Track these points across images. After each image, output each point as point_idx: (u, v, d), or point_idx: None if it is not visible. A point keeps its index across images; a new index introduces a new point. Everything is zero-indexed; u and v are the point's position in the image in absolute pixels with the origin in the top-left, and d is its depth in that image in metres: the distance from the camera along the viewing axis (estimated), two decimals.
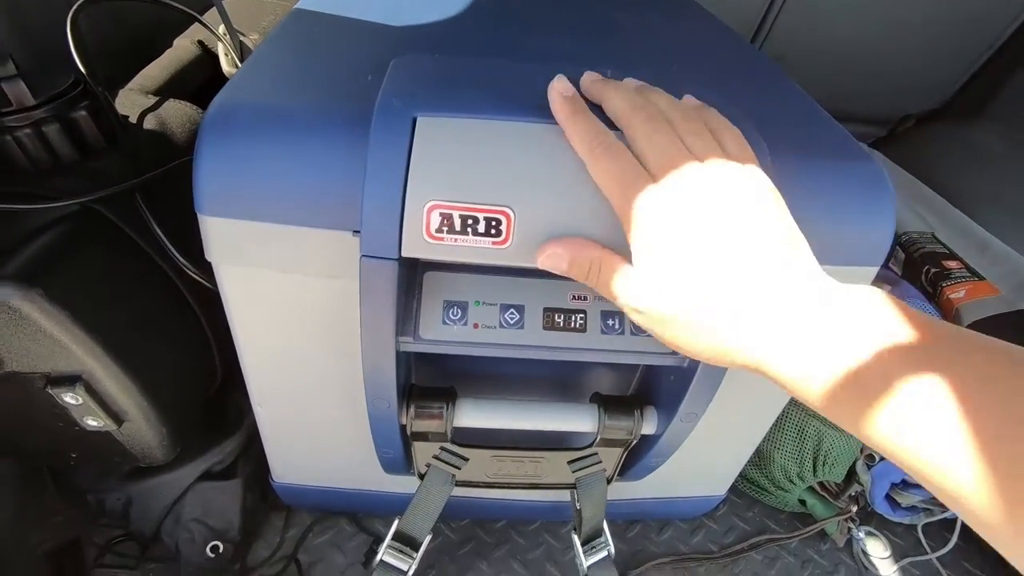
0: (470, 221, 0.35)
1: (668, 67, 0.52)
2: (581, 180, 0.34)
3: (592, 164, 0.33)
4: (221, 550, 0.57)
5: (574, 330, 0.42)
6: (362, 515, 0.64)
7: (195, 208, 0.37)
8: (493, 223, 0.35)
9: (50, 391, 0.42)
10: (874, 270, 0.43)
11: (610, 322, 0.42)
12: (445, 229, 0.35)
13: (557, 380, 0.53)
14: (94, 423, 0.45)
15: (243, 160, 0.36)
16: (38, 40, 0.59)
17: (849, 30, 1.20)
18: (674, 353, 0.42)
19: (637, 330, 0.43)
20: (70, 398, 0.42)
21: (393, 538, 0.52)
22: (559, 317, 0.42)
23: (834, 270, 0.41)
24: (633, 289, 0.31)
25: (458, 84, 0.39)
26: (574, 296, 0.43)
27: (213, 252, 0.39)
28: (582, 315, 0.42)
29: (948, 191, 1.08)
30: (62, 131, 0.44)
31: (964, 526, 0.67)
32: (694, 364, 0.42)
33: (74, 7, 0.50)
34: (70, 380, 0.42)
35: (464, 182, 0.34)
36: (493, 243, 0.35)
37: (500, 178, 0.35)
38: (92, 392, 0.42)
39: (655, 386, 0.49)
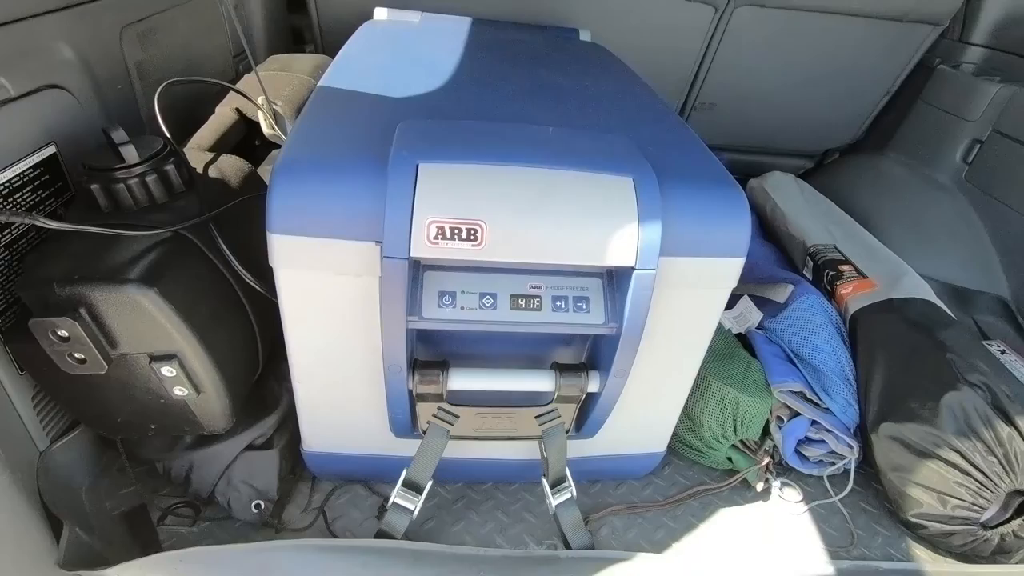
0: (456, 230, 0.52)
1: (598, 119, 0.71)
2: (528, 202, 0.52)
3: None
4: (263, 507, 0.71)
5: (532, 309, 0.59)
6: (374, 482, 0.79)
7: (265, 228, 0.53)
8: (472, 231, 0.52)
9: (152, 366, 0.57)
10: (740, 260, 0.60)
11: (558, 303, 0.60)
12: (440, 237, 0.52)
13: (526, 354, 0.69)
14: (180, 392, 0.60)
15: (302, 195, 0.53)
16: (114, 108, 0.76)
17: (768, 82, 1.43)
18: (605, 324, 0.60)
19: (577, 308, 0.60)
20: (166, 371, 0.58)
21: (402, 484, 0.67)
22: (522, 300, 0.59)
23: (710, 260, 0.59)
24: None
25: (446, 140, 0.57)
26: (532, 285, 0.60)
27: (276, 260, 0.55)
28: (538, 299, 0.59)
29: (860, 210, 1.29)
30: (158, 180, 0.61)
31: (859, 474, 0.84)
32: (619, 331, 0.59)
33: (158, 90, 0.68)
34: (168, 357, 0.57)
35: (451, 205, 0.52)
36: (472, 246, 0.53)
37: (475, 201, 0.52)
38: (182, 366, 0.58)
39: (597, 354, 0.66)
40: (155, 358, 0.57)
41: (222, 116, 0.84)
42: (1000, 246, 1.21)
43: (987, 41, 1.37)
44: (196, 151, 0.74)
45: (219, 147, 0.78)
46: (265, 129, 0.78)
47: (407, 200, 0.51)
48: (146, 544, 0.69)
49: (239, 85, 0.88)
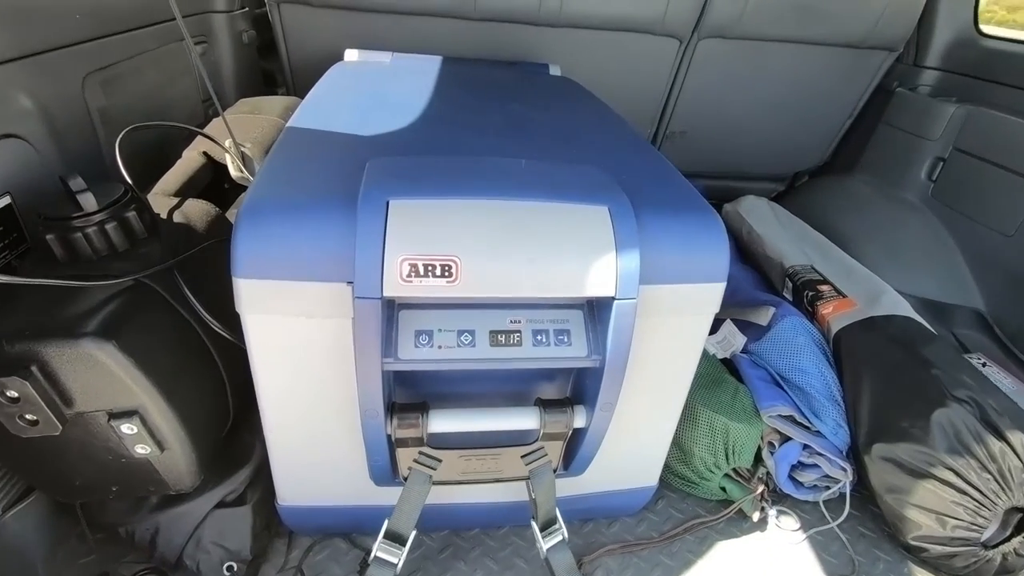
0: (430, 267, 0.50)
1: (570, 151, 0.71)
2: (502, 235, 0.51)
3: None
4: (235, 569, 0.66)
5: (513, 345, 0.57)
6: (355, 535, 0.75)
7: (230, 273, 0.51)
8: (446, 268, 0.51)
9: (112, 424, 0.54)
10: (721, 285, 0.59)
11: (539, 337, 0.58)
12: (413, 274, 0.50)
13: (508, 391, 0.67)
14: (142, 450, 0.56)
15: (268, 238, 0.51)
16: (76, 157, 0.74)
17: (736, 109, 1.46)
18: (588, 356, 0.58)
19: (559, 342, 0.58)
20: (127, 428, 0.54)
21: (384, 537, 0.63)
22: (501, 336, 0.57)
23: (692, 287, 0.58)
24: None
25: (416, 176, 0.56)
26: (512, 320, 0.58)
27: (243, 305, 0.53)
28: (518, 334, 0.58)
29: (832, 230, 1.31)
30: (118, 227, 0.58)
31: (855, 498, 0.82)
32: (603, 364, 0.58)
33: (119, 136, 0.66)
34: (128, 414, 0.54)
35: (424, 241, 0.51)
36: (447, 282, 0.51)
37: (449, 237, 0.51)
38: (144, 423, 0.54)
39: (582, 388, 0.64)
40: (114, 415, 0.54)
41: (189, 160, 0.82)
42: (971, 260, 1.23)
43: (940, 64, 1.42)
44: (161, 196, 0.72)
45: (186, 191, 0.76)
46: (232, 172, 0.77)
47: (378, 238, 0.50)
48: None
49: (207, 129, 0.87)
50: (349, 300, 0.52)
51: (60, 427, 0.52)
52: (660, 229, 0.57)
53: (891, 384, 0.79)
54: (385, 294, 0.50)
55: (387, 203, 0.51)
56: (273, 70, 1.48)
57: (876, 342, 0.85)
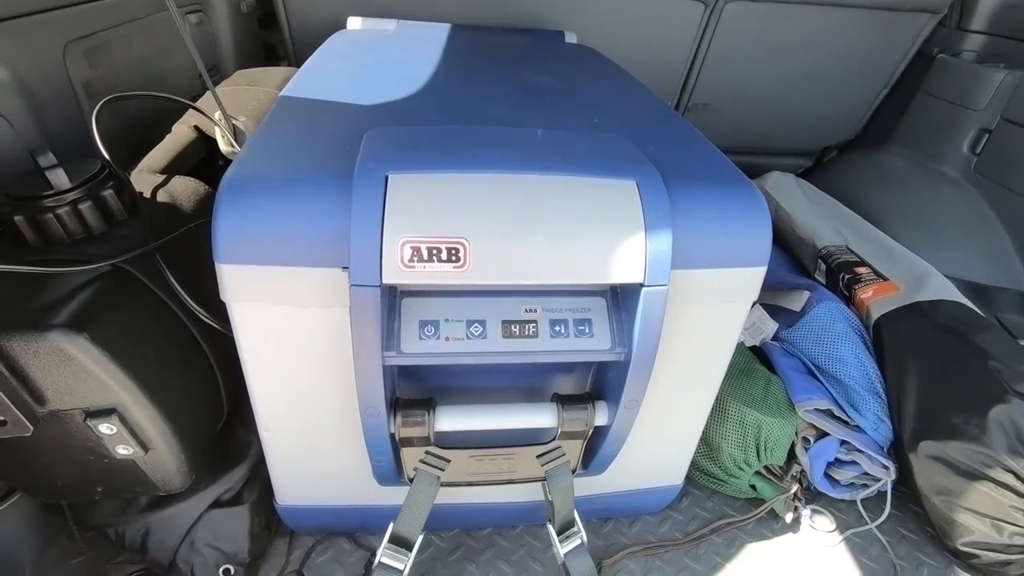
0: (435, 251, 0.45)
1: (591, 120, 0.64)
2: (517, 214, 0.45)
3: None
4: (232, 572, 0.62)
5: (528, 336, 0.51)
6: (359, 534, 0.71)
7: (213, 258, 0.46)
8: (453, 251, 0.45)
9: (88, 423, 0.49)
10: (761, 269, 0.53)
11: (557, 328, 0.52)
12: (415, 259, 0.44)
13: (523, 386, 0.62)
14: (124, 451, 0.52)
15: (252, 218, 0.45)
16: (58, 132, 0.69)
17: (763, 80, 1.37)
18: (612, 349, 0.52)
19: (579, 333, 0.52)
20: (105, 428, 0.49)
21: (389, 540, 0.59)
22: (515, 327, 0.51)
23: (728, 272, 0.52)
24: None
25: (419, 147, 0.49)
26: (527, 309, 0.52)
27: (227, 293, 0.48)
28: (534, 324, 0.52)
29: (864, 208, 1.23)
30: (93, 207, 0.53)
31: (896, 497, 0.76)
32: (628, 357, 0.52)
33: (97, 106, 0.61)
34: (106, 412, 0.49)
35: (428, 221, 0.45)
36: (454, 268, 0.45)
37: (456, 216, 0.45)
38: (124, 422, 0.50)
39: (604, 383, 0.58)
40: (91, 414, 0.49)
41: (178, 135, 0.76)
42: (1016, 238, 1.15)
43: (987, 27, 1.32)
44: (146, 173, 0.66)
45: (174, 168, 0.70)
46: (223, 146, 0.71)
47: (375, 217, 0.44)
48: None
49: (200, 102, 0.81)
50: (345, 287, 0.46)
51: (31, 428, 0.47)
52: (694, 206, 0.50)
53: (941, 376, 0.72)
54: (385, 281, 0.44)
55: (386, 177, 0.45)
56: (275, 42, 1.41)
57: (923, 329, 0.78)
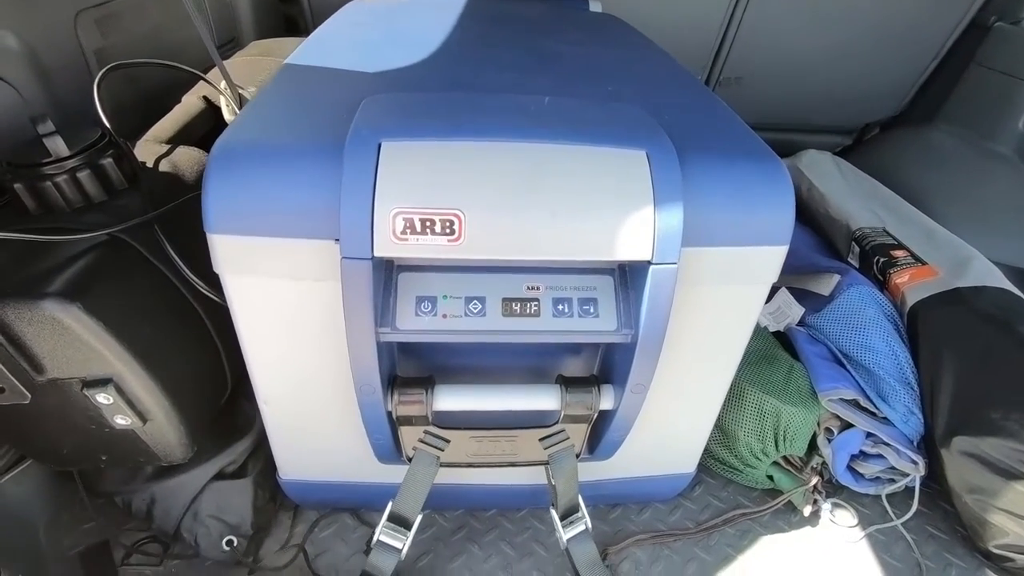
0: (428, 223, 0.42)
1: (606, 89, 0.60)
2: (517, 185, 0.42)
3: None
4: (235, 543, 0.62)
5: (529, 315, 0.49)
6: (363, 510, 0.70)
7: (204, 228, 0.45)
8: (448, 223, 0.42)
9: (86, 393, 0.49)
10: (782, 249, 0.49)
11: (560, 306, 0.49)
12: (408, 231, 0.42)
13: (526, 366, 0.60)
14: (122, 421, 0.52)
15: (242, 186, 0.43)
16: (67, 102, 0.68)
17: (801, 51, 1.30)
18: (618, 330, 0.49)
19: (584, 312, 0.50)
20: (102, 398, 0.49)
21: (387, 520, 0.58)
22: (516, 305, 0.49)
23: (746, 250, 0.49)
24: None
25: (415, 114, 0.47)
26: (529, 287, 0.50)
27: (220, 264, 0.46)
28: (536, 302, 0.49)
29: (908, 189, 1.15)
30: (92, 176, 0.52)
31: (924, 493, 0.72)
32: (636, 338, 0.49)
33: (99, 74, 0.60)
34: (103, 382, 0.49)
35: (421, 191, 0.42)
36: (449, 241, 0.43)
37: (451, 187, 0.43)
38: (121, 392, 0.50)
39: (611, 365, 0.56)
40: (88, 383, 0.49)
41: (187, 105, 0.76)
42: None
43: None
44: (152, 143, 0.66)
45: (182, 139, 0.69)
46: (226, 115, 0.70)
47: (367, 186, 0.42)
48: None
49: (210, 73, 0.80)
50: (337, 260, 0.44)
51: (28, 395, 0.47)
52: (710, 180, 0.47)
53: (980, 368, 0.67)
54: (376, 254, 0.43)
55: (379, 145, 0.43)
56: (295, 14, 1.39)
57: (962, 317, 0.73)
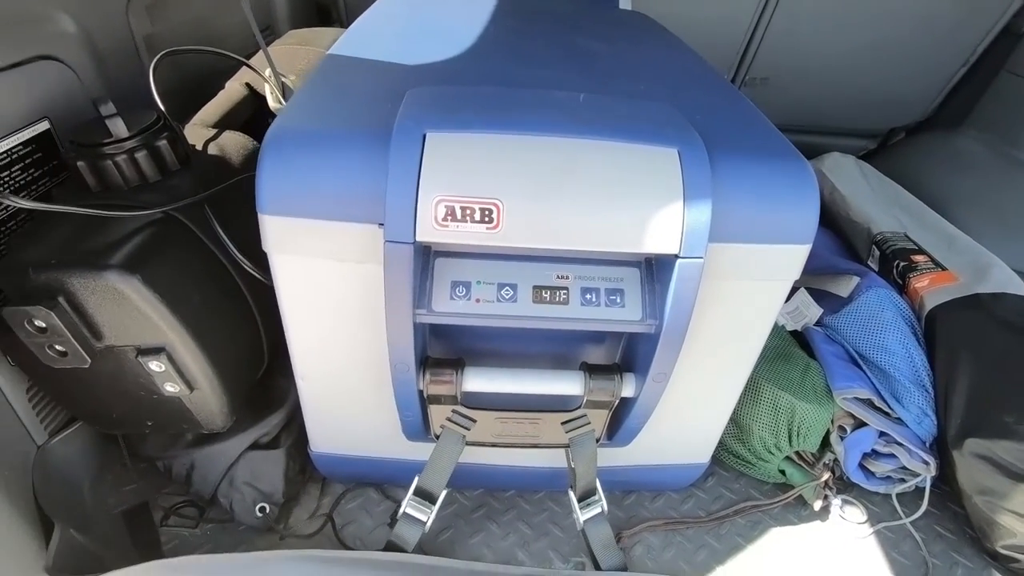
0: (468, 211, 0.45)
1: (638, 87, 0.62)
2: (553, 177, 0.45)
3: None
4: (268, 511, 0.66)
5: (558, 303, 0.51)
6: (387, 485, 0.73)
7: (256, 208, 0.47)
8: (487, 212, 0.45)
9: (139, 360, 0.52)
10: (805, 248, 0.51)
11: (588, 296, 0.52)
12: (449, 218, 0.45)
13: (551, 353, 0.62)
14: (171, 388, 0.55)
15: (293, 171, 0.46)
16: (119, 85, 0.72)
17: (829, 53, 1.30)
18: (643, 320, 0.52)
19: (611, 302, 0.52)
20: (155, 365, 0.53)
21: (414, 493, 0.61)
22: (546, 292, 0.51)
23: (770, 248, 0.51)
24: None
25: (458, 107, 0.49)
26: (559, 276, 0.52)
27: (269, 244, 0.49)
28: (565, 291, 0.52)
29: (932, 195, 1.15)
30: (149, 157, 0.55)
31: (934, 494, 0.73)
32: (659, 329, 0.51)
33: (154, 59, 0.63)
34: (156, 350, 0.52)
35: (463, 180, 0.45)
36: (487, 228, 0.45)
37: (491, 177, 0.45)
38: (172, 361, 0.53)
39: (633, 354, 0.58)
40: (142, 351, 0.52)
41: (231, 91, 0.79)
42: None
43: None
44: (199, 127, 0.69)
45: (225, 123, 0.72)
46: (271, 103, 0.73)
47: (411, 175, 0.44)
48: (147, 546, 0.65)
49: (253, 60, 0.82)
50: (380, 244, 0.47)
51: (88, 360, 0.50)
52: (737, 178, 0.48)
53: (996, 372, 0.68)
54: (418, 239, 0.45)
55: (424, 136, 0.45)
56: (327, 4, 1.42)
57: (981, 323, 0.74)
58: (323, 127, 0.48)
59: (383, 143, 0.45)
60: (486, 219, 0.45)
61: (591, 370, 0.57)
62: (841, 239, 1.09)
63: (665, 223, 0.46)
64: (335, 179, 0.46)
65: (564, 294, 0.52)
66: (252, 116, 0.80)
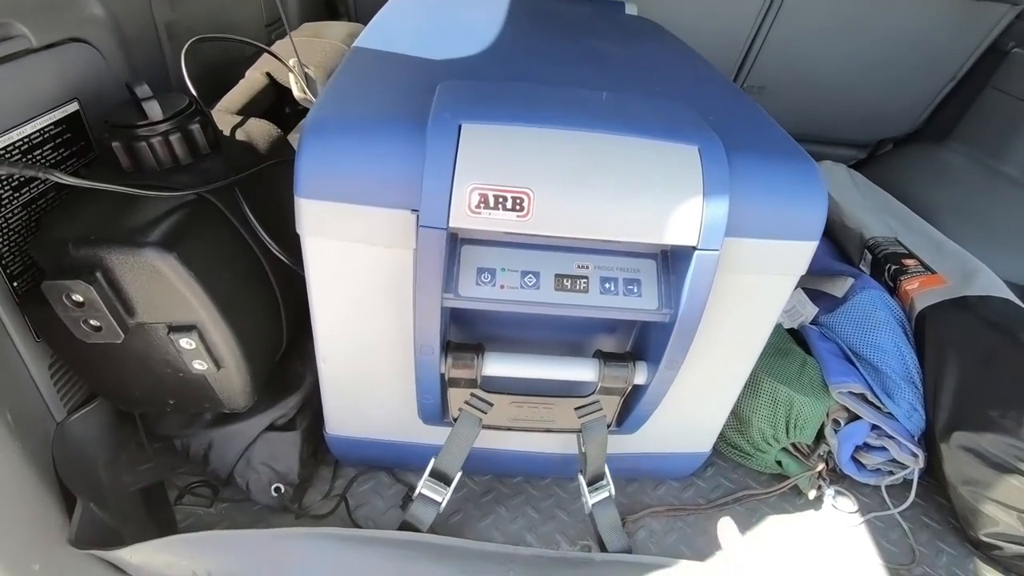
0: (501, 199, 0.47)
1: (653, 88, 0.65)
2: (580, 169, 0.47)
3: None
4: (283, 491, 0.67)
5: (578, 291, 0.54)
6: (399, 470, 0.75)
7: (294, 192, 0.49)
8: (517, 200, 0.47)
9: (171, 337, 0.54)
10: (812, 244, 0.54)
11: (607, 285, 0.54)
12: (482, 205, 0.47)
13: (565, 340, 0.64)
14: (199, 366, 0.56)
15: (332, 156, 0.48)
16: (143, 70, 0.73)
17: (823, 65, 1.34)
18: (659, 309, 0.54)
19: (628, 292, 0.54)
20: (185, 343, 0.54)
21: (430, 474, 0.63)
22: (567, 281, 0.54)
23: (780, 243, 0.53)
24: None
25: (492, 101, 0.52)
26: (579, 265, 0.55)
27: (303, 227, 0.51)
28: (585, 279, 0.54)
29: (918, 203, 1.20)
30: (182, 139, 0.57)
31: (921, 486, 0.77)
32: (673, 318, 0.54)
33: (186, 45, 0.64)
34: (187, 328, 0.53)
35: (497, 170, 0.47)
36: (517, 216, 0.48)
37: (523, 167, 0.47)
38: (203, 339, 0.54)
39: (645, 344, 0.61)
40: (174, 328, 0.54)
41: (252, 80, 0.80)
42: None
43: None
44: (224, 114, 0.70)
45: (248, 111, 0.74)
46: (296, 92, 0.74)
47: (448, 164, 0.46)
48: (162, 523, 0.66)
49: (274, 50, 0.84)
50: (412, 229, 0.49)
51: (122, 335, 0.52)
52: (752, 175, 0.51)
53: (982, 369, 0.72)
54: (452, 224, 0.47)
55: (459, 127, 0.47)
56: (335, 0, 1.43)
57: (968, 323, 0.78)
58: (361, 117, 0.50)
59: (419, 133, 0.47)
60: (517, 207, 0.47)
61: (605, 358, 0.59)
62: (835, 244, 1.13)
63: (685, 216, 0.49)
64: (373, 166, 0.48)
65: (584, 283, 0.54)
66: (271, 105, 0.82)
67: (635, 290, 0.54)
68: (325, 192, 0.49)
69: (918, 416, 0.76)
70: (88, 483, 0.64)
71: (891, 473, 0.78)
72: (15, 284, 0.55)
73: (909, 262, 0.92)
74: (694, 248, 0.50)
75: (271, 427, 0.68)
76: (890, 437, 0.75)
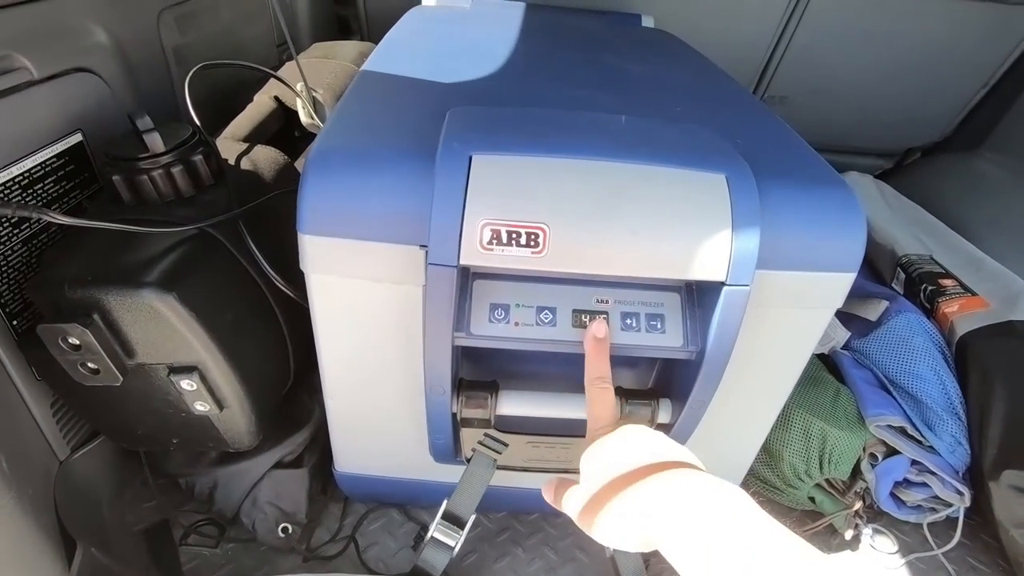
0: (514, 235, 0.44)
1: (674, 109, 0.62)
2: (599, 202, 0.44)
3: (588, 389, 0.46)
4: (290, 531, 0.65)
5: None
6: (410, 507, 0.72)
7: (296, 228, 0.47)
8: (532, 236, 0.44)
9: (171, 379, 0.51)
10: (851, 275, 0.50)
11: (628, 321, 0.51)
12: (495, 242, 0.44)
13: (582, 376, 0.61)
14: (201, 408, 0.54)
15: (336, 192, 0.46)
16: (150, 97, 0.72)
17: (848, 73, 1.30)
18: (684, 347, 0.51)
19: (651, 328, 0.51)
20: (186, 384, 0.52)
21: (442, 517, 0.59)
22: (585, 317, 0.50)
23: (816, 275, 0.50)
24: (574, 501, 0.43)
25: (502, 129, 0.49)
26: (598, 300, 0.51)
27: (307, 264, 0.48)
28: (604, 315, 0.51)
29: (950, 217, 1.15)
30: (184, 172, 0.55)
31: (967, 525, 0.72)
32: (700, 356, 0.50)
33: (189, 74, 0.62)
34: (188, 369, 0.51)
35: (510, 204, 0.44)
36: (532, 253, 0.45)
37: (537, 201, 0.44)
38: (204, 380, 0.52)
39: (669, 380, 0.57)
40: (174, 370, 0.51)
41: (260, 104, 0.78)
42: None
43: None
44: (230, 141, 0.68)
45: (256, 137, 0.72)
46: (303, 118, 0.72)
47: (458, 198, 0.44)
48: (167, 566, 0.64)
49: (280, 73, 0.82)
50: (421, 265, 0.46)
51: (121, 378, 0.50)
52: (784, 205, 0.48)
53: None
54: (462, 262, 0.44)
55: (470, 159, 0.44)
56: (348, 17, 1.42)
57: (1015, 350, 0.73)
58: (366, 148, 0.47)
59: (428, 165, 0.45)
60: (532, 243, 0.44)
61: (627, 395, 0.56)
62: (864, 260, 1.08)
63: (713, 250, 0.45)
64: (379, 201, 0.45)
65: (604, 318, 0.51)
66: (279, 130, 0.80)
67: (658, 326, 0.51)
68: (329, 228, 0.46)
69: (962, 450, 0.71)
70: (91, 524, 0.62)
71: (933, 510, 0.73)
72: (15, 323, 0.54)
73: (947, 282, 0.87)
74: (722, 283, 0.46)
75: (278, 464, 0.65)
76: (932, 473, 0.70)
